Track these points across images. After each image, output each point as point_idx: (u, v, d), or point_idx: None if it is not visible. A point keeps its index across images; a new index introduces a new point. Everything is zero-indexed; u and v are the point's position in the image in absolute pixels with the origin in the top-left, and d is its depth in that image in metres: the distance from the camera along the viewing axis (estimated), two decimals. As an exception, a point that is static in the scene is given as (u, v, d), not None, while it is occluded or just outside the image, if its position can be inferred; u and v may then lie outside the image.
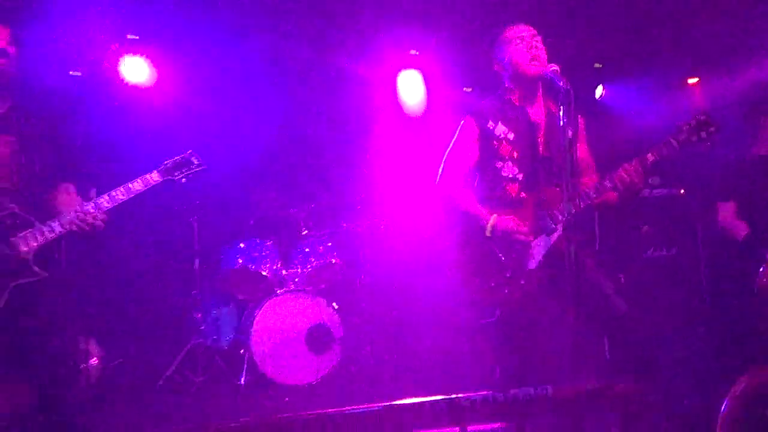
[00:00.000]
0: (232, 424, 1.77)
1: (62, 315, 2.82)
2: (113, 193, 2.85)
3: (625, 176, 2.92)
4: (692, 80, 6.28)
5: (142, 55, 5.33)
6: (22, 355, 2.71)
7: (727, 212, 4.20)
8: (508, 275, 2.99)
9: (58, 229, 2.75)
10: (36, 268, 2.69)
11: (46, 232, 2.73)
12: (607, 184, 2.96)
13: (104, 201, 2.82)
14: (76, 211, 2.78)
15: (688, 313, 4.86)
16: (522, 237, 2.98)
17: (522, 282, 2.98)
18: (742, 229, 4.16)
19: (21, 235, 2.69)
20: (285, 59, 5.62)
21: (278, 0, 5.03)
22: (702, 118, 2.96)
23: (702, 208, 5.14)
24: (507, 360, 3.10)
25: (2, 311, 2.60)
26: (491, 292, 3.01)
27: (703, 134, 2.94)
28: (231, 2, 4.99)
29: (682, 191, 5.24)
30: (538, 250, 3.01)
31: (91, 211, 2.78)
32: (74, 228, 2.76)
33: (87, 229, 2.77)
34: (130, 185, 2.90)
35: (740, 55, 5.68)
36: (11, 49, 2.77)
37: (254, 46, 5.45)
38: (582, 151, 3.20)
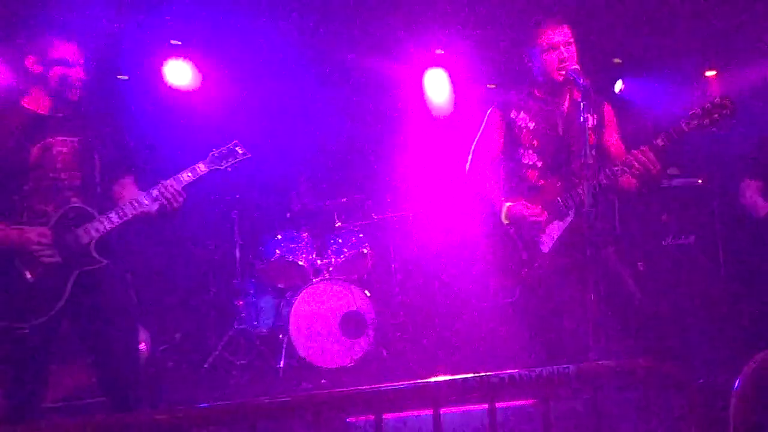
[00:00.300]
0: (276, 400, 1.81)
1: (122, 300, 2.90)
2: (164, 183, 2.89)
3: (634, 161, 2.92)
4: (710, 73, 6.25)
5: (185, 58, 5.41)
6: (85, 338, 2.82)
7: (751, 189, 4.08)
8: (525, 258, 3.06)
9: (115, 220, 2.81)
10: (97, 256, 2.78)
11: (105, 223, 2.80)
12: (617, 170, 2.98)
13: (156, 191, 2.87)
14: (131, 203, 2.85)
15: (706, 296, 4.87)
16: (533, 218, 3.03)
17: (537, 264, 3.05)
18: (762, 208, 4.04)
19: (83, 227, 2.77)
20: (320, 61, 5.67)
21: (312, 5, 5.07)
22: (717, 101, 2.92)
23: (719, 197, 5.16)
24: (530, 338, 3.17)
25: (69, 297, 2.70)
26: (511, 273, 3.09)
27: (716, 116, 2.89)
28: (266, 8, 5.05)
29: (700, 181, 5.25)
30: (553, 234, 3.06)
31: (170, 187, 2.86)
32: (146, 211, 2.84)
33: (170, 206, 2.85)
34: (180, 176, 2.95)
35: (757, 48, 5.63)
36: (79, 64, 2.86)
37: (289, 48, 5.51)
38: (611, 137, 3.23)
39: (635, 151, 2.95)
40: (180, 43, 5.36)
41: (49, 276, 2.70)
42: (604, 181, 3.01)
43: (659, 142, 2.94)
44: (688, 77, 6.15)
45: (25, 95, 2.85)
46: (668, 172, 5.21)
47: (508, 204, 3.09)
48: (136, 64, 5.35)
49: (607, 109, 3.24)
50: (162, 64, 5.40)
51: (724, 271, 5.11)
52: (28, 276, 2.68)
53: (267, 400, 1.79)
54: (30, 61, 2.83)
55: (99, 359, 2.83)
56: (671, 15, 5.50)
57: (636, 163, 2.93)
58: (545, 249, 3.06)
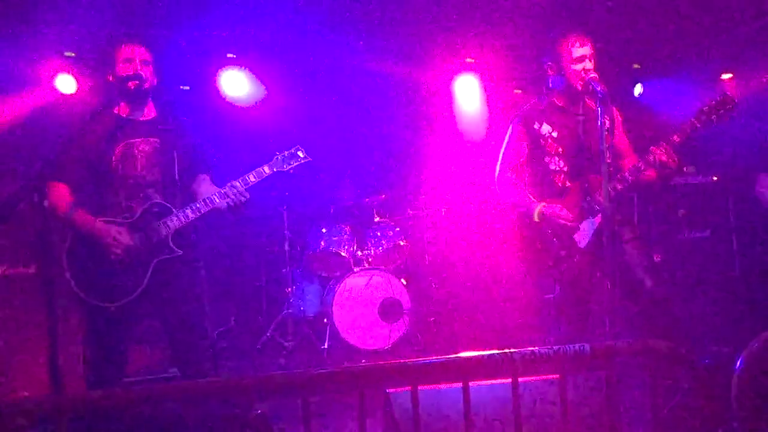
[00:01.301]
0: (325, 371, 1.90)
1: (193, 285, 2.99)
2: (233, 183, 2.98)
3: (653, 158, 3.00)
4: (726, 76, 6.14)
5: (241, 68, 5.48)
6: (162, 318, 2.94)
7: (765, 183, 4.06)
8: (563, 255, 3.10)
9: (190, 215, 2.91)
10: (174, 247, 2.89)
11: (182, 218, 2.90)
12: (641, 166, 3.04)
13: (227, 190, 2.96)
14: (204, 200, 2.94)
15: (719, 285, 4.83)
16: (563, 221, 3.08)
17: (576, 259, 3.08)
18: None
19: (163, 220, 2.89)
20: (360, 69, 5.73)
21: (354, 20, 5.13)
22: (719, 98, 2.99)
23: (734, 193, 5.10)
24: (564, 328, 3.18)
25: (149, 282, 2.83)
26: (551, 270, 3.12)
27: (722, 111, 2.97)
28: (312, 22, 5.12)
29: (715, 179, 5.20)
30: (587, 230, 3.10)
31: (238, 187, 2.95)
32: (215, 206, 2.94)
33: (235, 204, 2.94)
34: (246, 177, 3.02)
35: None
36: (149, 67, 2.97)
37: (333, 59, 5.58)
38: (620, 138, 3.30)
39: (655, 148, 3.01)
40: (235, 56, 5.47)
41: (133, 263, 2.84)
42: (629, 178, 3.06)
43: (676, 138, 3.02)
44: (705, 80, 6.05)
45: (114, 104, 2.98)
46: (685, 170, 5.17)
47: (541, 205, 3.14)
48: (196, 75, 5.48)
49: (615, 112, 3.29)
50: (218, 76, 5.50)
51: (738, 261, 5.05)
52: (116, 262, 2.81)
53: (317, 372, 1.90)
54: (109, 75, 2.98)
55: (173, 337, 2.94)
56: (688, 21, 5.43)
57: (657, 159, 2.99)
58: (582, 245, 3.09)
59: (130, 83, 2.89)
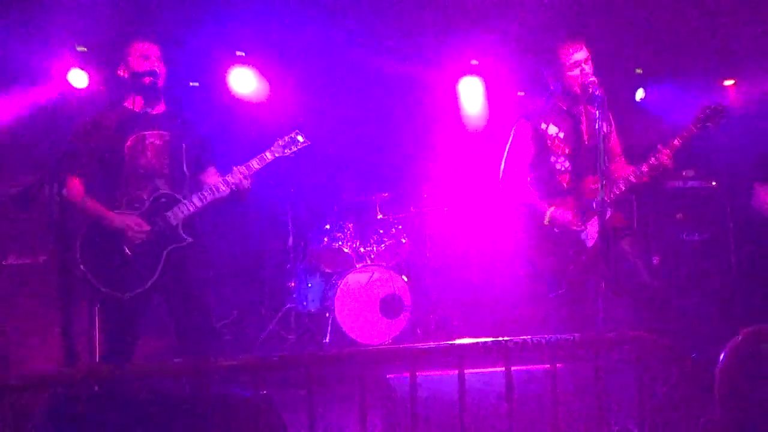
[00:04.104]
0: (328, 353, 2.00)
1: (201, 273, 3.08)
2: (236, 170, 3.08)
3: (656, 162, 3.14)
4: (728, 82, 6.23)
5: (249, 66, 5.58)
6: (169, 308, 3.03)
7: (763, 192, 4.09)
8: (571, 254, 3.19)
9: (198, 203, 3.01)
10: (184, 235, 2.99)
11: (189, 206, 3.00)
12: (645, 169, 3.16)
13: (230, 177, 3.07)
14: (209, 188, 3.04)
15: (715, 286, 4.92)
16: (574, 227, 3.18)
17: (584, 258, 3.18)
18: None
19: (172, 210, 2.99)
20: (366, 68, 5.80)
21: (362, 19, 5.23)
22: (713, 106, 3.15)
23: (731, 198, 5.19)
24: (566, 326, 3.27)
25: (161, 271, 2.92)
26: (559, 269, 3.22)
27: (716, 119, 3.14)
28: (319, 22, 5.23)
29: (714, 183, 5.29)
30: (593, 230, 3.19)
31: (244, 171, 3.05)
32: (221, 193, 3.04)
33: (237, 189, 3.04)
34: (250, 163, 3.12)
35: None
36: (162, 64, 3.08)
37: (337, 57, 5.66)
38: (615, 139, 3.41)
39: (659, 155, 3.14)
40: (244, 54, 5.57)
41: (146, 253, 2.93)
42: (633, 180, 3.17)
43: (676, 142, 3.15)
44: (707, 86, 6.14)
45: (126, 98, 3.08)
46: (684, 174, 5.27)
47: (552, 209, 3.22)
48: (205, 73, 5.58)
49: (611, 115, 3.40)
50: (227, 73, 5.60)
51: (735, 265, 5.15)
52: (129, 253, 2.91)
53: (320, 353, 2.02)
54: (121, 69, 3.08)
55: (180, 324, 3.02)
56: (690, 27, 5.50)
57: (661, 160, 3.12)
58: (590, 244, 3.19)
59: (145, 78, 3.00)
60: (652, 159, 3.14)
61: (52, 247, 3.83)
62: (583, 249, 3.19)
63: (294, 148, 3.25)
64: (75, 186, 2.97)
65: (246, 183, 3.08)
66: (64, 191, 2.54)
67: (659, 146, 3.17)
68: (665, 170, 3.17)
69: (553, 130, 3.31)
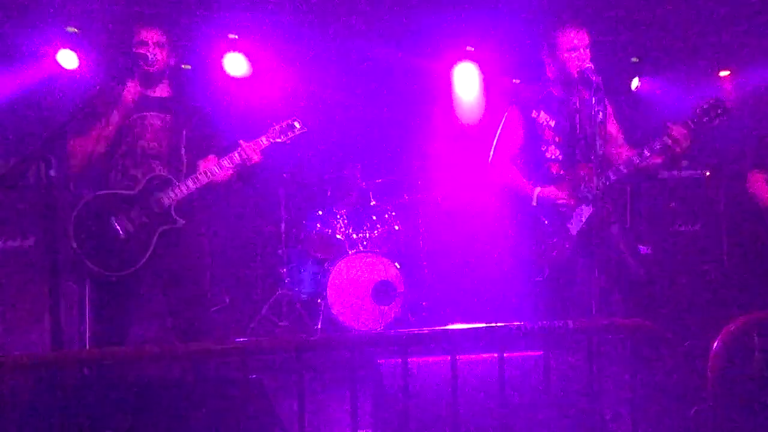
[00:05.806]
0: (318, 337, 2.00)
1: (195, 257, 3.08)
2: (232, 154, 3.08)
3: (661, 143, 3.11)
4: (724, 73, 6.21)
5: (242, 51, 5.53)
6: (164, 290, 3.03)
7: (757, 180, 4.10)
8: (554, 240, 3.19)
9: (191, 185, 3.01)
10: (176, 217, 2.99)
11: (183, 188, 3.00)
12: (639, 156, 3.14)
13: (226, 161, 3.06)
14: (204, 172, 3.04)
15: (707, 275, 4.95)
16: (563, 201, 3.18)
17: (567, 245, 3.18)
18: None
19: (165, 191, 2.99)
20: (359, 54, 5.77)
21: (357, 3, 5.19)
22: (712, 101, 3.12)
23: (725, 189, 5.20)
24: (551, 311, 3.26)
25: (152, 252, 2.91)
26: (541, 254, 3.21)
27: (714, 114, 3.11)
28: (312, 8, 5.21)
29: (708, 173, 5.30)
30: (579, 217, 3.19)
31: (246, 148, 3.05)
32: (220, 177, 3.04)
33: (245, 164, 3.05)
34: (257, 140, 3.13)
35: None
36: (164, 49, 3.07)
37: (332, 43, 5.63)
38: (612, 126, 3.38)
39: (672, 125, 3.09)
40: (237, 36, 5.51)
41: (137, 233, 2.92)
42: (624, 170, 3.15)
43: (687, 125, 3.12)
44: (703, 76, 6.13)
45: (129, 79, 3.07)
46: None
47: (538, 189, 3.22)
48: (198, 55, 5.53)
49: (607, 101, 3.38)
50: (221, 56, 5.54)
51: (728, 254, 5.17)
52: (121, 232, 2.90)
53: (311, 337, 2.01)
54: (123, 51, 3.08)
55: (174, 308, 3.03)
56: (687, 16, 5.49)
57: (674, 135, 3.07)
58: (573, 232, 3.19)
59: (140, 61, 3.00)
60: (662, 139, 3.10)
61: (41, 229, 3.79)
62: (566, 236, 3.19)
63: (291, 134, 3.23)
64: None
65: (255, 157, 3.06)
66: (52, 171, 2.48)
67: (668, 124, 3.13)
68: (678, 145, 3.07)
69: (544, 118, 3.30)
